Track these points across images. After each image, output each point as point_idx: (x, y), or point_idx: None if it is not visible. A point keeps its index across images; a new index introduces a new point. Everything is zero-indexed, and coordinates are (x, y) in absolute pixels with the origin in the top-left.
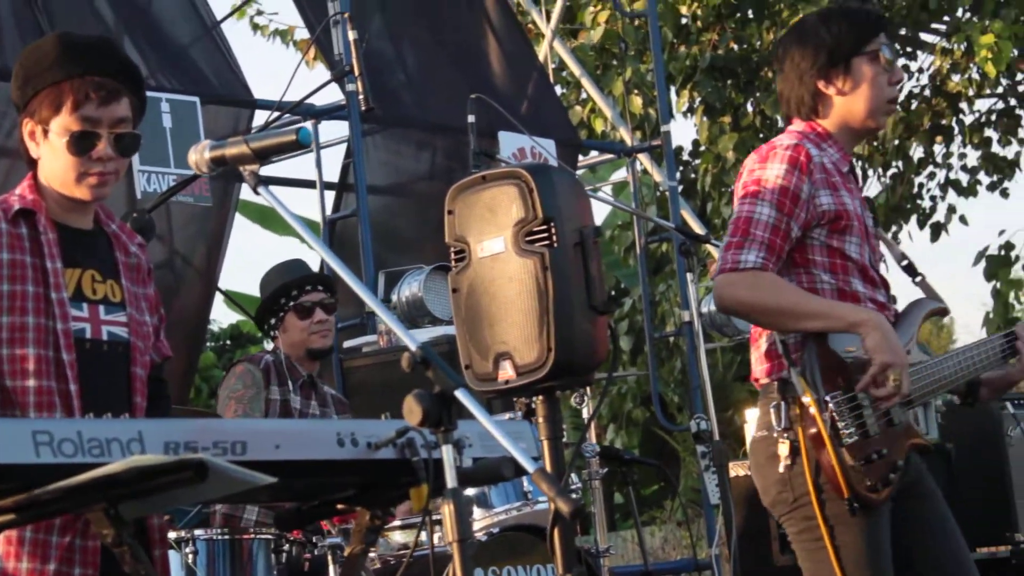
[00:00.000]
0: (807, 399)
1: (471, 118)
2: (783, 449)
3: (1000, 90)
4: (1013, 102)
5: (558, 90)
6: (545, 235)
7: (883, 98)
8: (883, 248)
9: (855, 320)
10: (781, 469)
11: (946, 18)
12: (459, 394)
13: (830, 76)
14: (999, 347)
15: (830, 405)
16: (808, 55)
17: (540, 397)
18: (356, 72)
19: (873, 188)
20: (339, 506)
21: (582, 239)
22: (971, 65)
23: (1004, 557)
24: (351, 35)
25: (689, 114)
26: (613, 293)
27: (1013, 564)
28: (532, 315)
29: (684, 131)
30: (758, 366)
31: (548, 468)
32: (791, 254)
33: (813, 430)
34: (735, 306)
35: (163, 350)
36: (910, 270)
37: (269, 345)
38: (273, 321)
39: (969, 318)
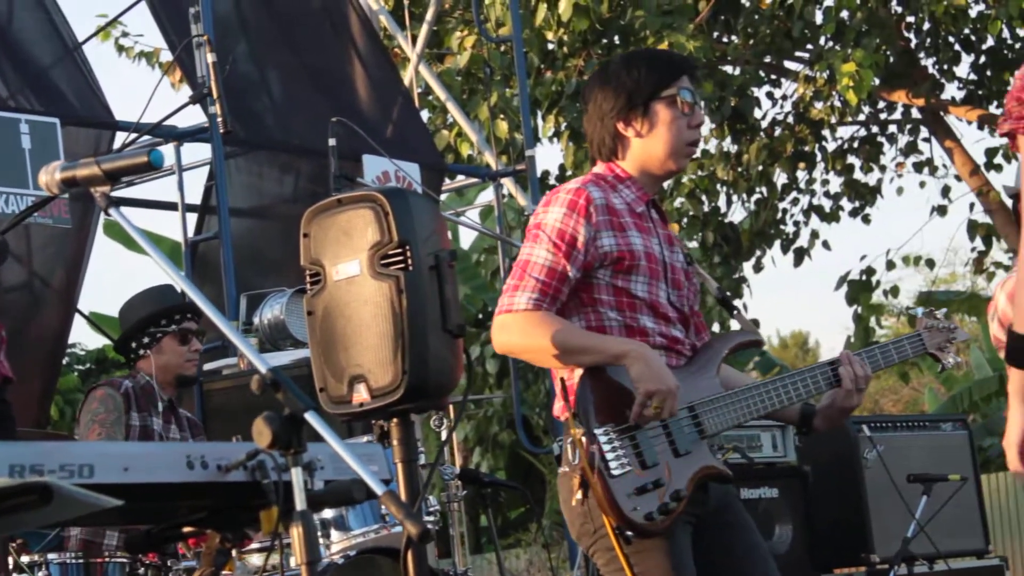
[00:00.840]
0: (575, 433)
1: (332, 141)
2: (575, 483)
3: (862, 118)
4: (875, 129)
5: (425, 114)
6: (400, 258)
7: (681, 141)
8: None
9: (619, 352)
10: (576, 503)
11: (809, 46)
12: (309, 416)
13: (629, 118)
14: (824, 376)
15: (599, 438)
16: (609, 97)
17: (395, 420)
18: (215, 95)
19: (738, 214)
20: (189, 529)
21: (437, 262)
22: (833, 93)
23: None
24: (210, 58)
25: (555, 139)
26: (480, 316)
27: None
28: (387, 338)
29: (551, 156)
30: (555, 404)
31: (403, 491)
32: (579, 294)
33: (583, 463)
34: (507, 348)
35: (2, 371)
36: (726, 304)
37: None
38: (147, 341)
39: (835, 342)
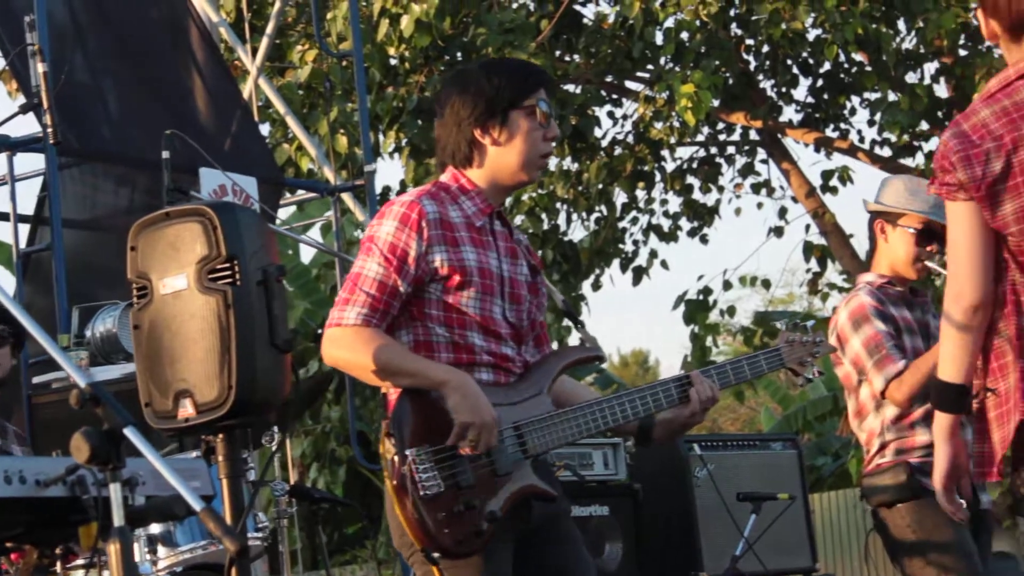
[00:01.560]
0: (388, 453)
1: (165, 154)
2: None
3: (701, 138)
4: (714, 150)
5: (266, 128)
6: (228, 273)
7: (536, 152)
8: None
9: (439, 380)
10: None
11: (650, 67)
12: (128, 432)
13: (487, 126)
14: (667, 395)
15: (409, 458)
16: (468, 103)
17: (220, 435)
18: (45, 105)
19: (577, 232)
20: (10, 544)
21: (265, 277)
22: (673, 113)
23: None
24: (41, 68)
25: (396, 155)
26: (319, 331)
27: None
28: (213, 353)
29: (393, 171)
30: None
31: (227, 507)
32: (409, 308)
33: (394, 482)
34: (334, 361)
35: None
36: (571, 316)
37: None
38: None
39: (675, 360)
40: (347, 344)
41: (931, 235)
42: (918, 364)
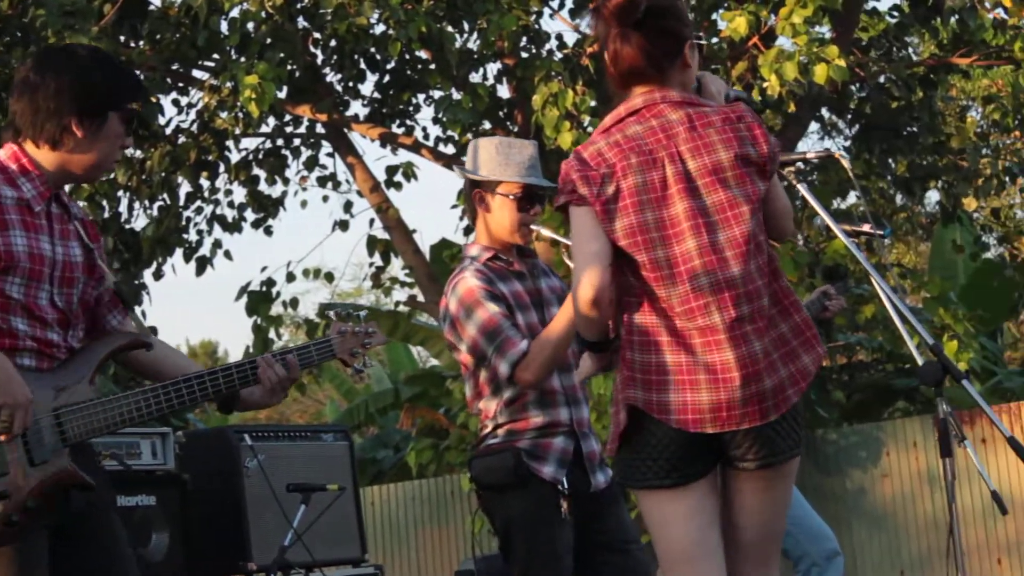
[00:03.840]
0: None
1: None
2: None
3: (267, 130)
4: (280, 142)
5: None
6: None
7: (112, 158)
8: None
9: None
10: None
11: (215, 56)
12: None
13: (83, 118)
14: (231, 376)
15: None
16: (74, 88)
17: None
18: None
19: (140, 220)
20: None
21: None
22: (238, 104)
23: None
24: None
25: None
26: None
27: None
28: None
29: None
30: None
31: None
32: None
33: None
34: None
35: None
36: (122, 299)
37: None
38: None
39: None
40: None
41: (532, 198)
42: (541, 341)
